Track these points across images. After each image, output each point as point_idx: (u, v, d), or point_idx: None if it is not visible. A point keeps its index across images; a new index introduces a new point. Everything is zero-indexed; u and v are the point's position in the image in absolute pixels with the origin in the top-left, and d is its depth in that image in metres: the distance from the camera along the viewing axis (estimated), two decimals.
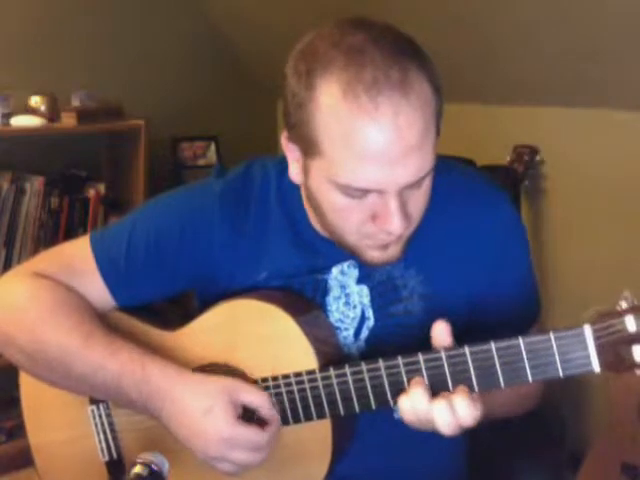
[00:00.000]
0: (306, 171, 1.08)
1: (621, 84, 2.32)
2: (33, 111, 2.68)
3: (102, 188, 2.82)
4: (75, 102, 2.78)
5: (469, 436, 1.35)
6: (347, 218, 1.06)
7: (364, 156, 0.99)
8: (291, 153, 1.11)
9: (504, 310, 1.19)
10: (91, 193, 2.80)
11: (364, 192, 1.02)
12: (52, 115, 2.70)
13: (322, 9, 2.74)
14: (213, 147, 3.28)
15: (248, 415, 1.10)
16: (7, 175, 2.61)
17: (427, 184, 1.06)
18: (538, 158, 2.53)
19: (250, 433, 1.07)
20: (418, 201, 1.06)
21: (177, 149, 3.23)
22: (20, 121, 2.61)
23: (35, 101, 2.70)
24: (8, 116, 2.60)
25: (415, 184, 1.03)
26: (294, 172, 1.12)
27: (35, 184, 2.65)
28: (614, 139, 2.41)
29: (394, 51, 0.99)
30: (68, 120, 2.70)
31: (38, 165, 2.71)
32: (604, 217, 2.48)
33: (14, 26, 2.76)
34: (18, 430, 2.59)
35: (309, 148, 1.04)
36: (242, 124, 3.29)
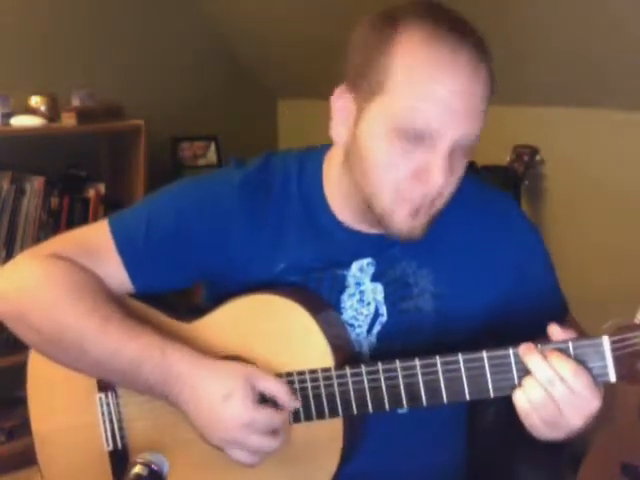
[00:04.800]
0: (358, 120, 1.08)
1: (621, 84, 2.32)
2: (33, 111, 2.68)
3: (102, 188, 2.82)
4: (75, 102, 2.78)
5: (469, 436, 1.35)
6: (389, 171, 1.06)
7: (430, 95, 1.01)
8: (341, 108, 1.11)
9: (531, 310, 1.19)
10: (91, 193, 2.80)
11: (418, 138, 1.03)
12: (52, 115, 2.70)
13: (322, 10, 2.73)
14: (213, 147, 3.28)
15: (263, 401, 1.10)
16: (7, 175, 2.61)
17: (465, 160, 1.08)
18: (538, 158, 2.53)
19: (268, 415, 1.07)
20: (456, 171, 1.07)
21: (177, 149, 3.23)
22: (20, 121, 2.61)
23: (35, 101, 2.70)
24: (8, 116, 2.60)
25: (464, 147, 1.05)
26: (338, 131, 1.12)
27: (35, 184, 2.65)
28: (614, 139, 2.41)
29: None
30: (68, 120, 2.70)
31: (38, 165, 2.71)
32: (604, 217, 2.48)
33: (14, 26, 2.76)
34: (18, 430, 2.60)
35: (373, 87, 1.05)
36: (242, 124, 3.29)
